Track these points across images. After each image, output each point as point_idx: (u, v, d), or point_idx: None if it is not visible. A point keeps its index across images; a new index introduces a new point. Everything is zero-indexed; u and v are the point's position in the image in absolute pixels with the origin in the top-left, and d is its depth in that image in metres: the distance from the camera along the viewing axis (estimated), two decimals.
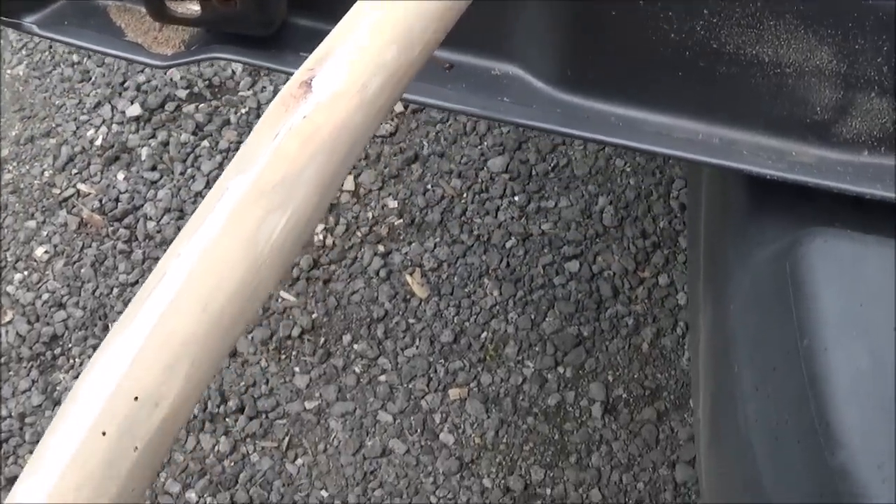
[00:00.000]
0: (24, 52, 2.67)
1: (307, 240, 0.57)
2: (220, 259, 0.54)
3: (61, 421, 0.52)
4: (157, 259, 2.13)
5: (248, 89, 2.49)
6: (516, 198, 2.28)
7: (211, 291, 0.53)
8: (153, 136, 2.44)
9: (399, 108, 2.40)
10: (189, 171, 2.38)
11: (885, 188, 0.90)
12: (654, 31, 0.89)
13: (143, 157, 2.41)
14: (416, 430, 2.02)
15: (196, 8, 0.96)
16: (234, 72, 2.52)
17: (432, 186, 2.31)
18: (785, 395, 0.88)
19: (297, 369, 2.10)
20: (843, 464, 0.80)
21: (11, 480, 2.02)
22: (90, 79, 2.57)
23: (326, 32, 0.92)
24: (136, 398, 0.51)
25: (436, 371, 2.07)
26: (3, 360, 2.16)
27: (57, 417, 0.53)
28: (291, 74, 0.89)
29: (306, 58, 0.92)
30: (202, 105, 2.48)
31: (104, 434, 0.51)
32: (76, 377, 2.04)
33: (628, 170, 2.27)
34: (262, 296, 0.56)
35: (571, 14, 0.92)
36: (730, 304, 1.01)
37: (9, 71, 2.65)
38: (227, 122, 2.45)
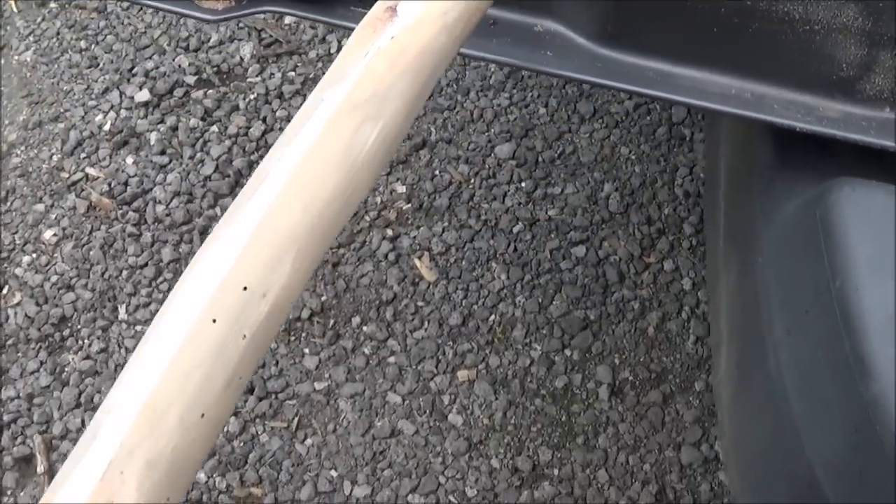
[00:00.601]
0: (31, 38, 2.70)
1: (395, 150, 0.61)
2: (319, 163, 0.58)
3: (170, 308, 0.55)
4: (166, 242, 2.19)
5: (257, 76, 2.52)
6: (523, 184, 2.32)
7: (311, 193, 0.57)
8: (162, 121, 2.47)
9: None
10: (198, 155, 2.41)
11: None
12: None
13: (152, 142, 2.44)
14: (425, 411, 2.05)
15: None
16: (242, 59, 2.56)
17: (440, 172, 2.35)
18: (818, 335, 0.92)
19: (306, 351, 2.13)
20: (877, 395, 0.85)
21: (19, 461, 2.04)
22: (98, 65, 2.60)
23: None
24: (245, 288, 0.55)
25: (444, 353, 2.11)
26: (11, 341, 2.18)
27: (165, 305, 0.56)
28: (343, 27, 0.94)
29: (358, 12, 0.96)
30: (210, 91, 2.51)
31: (214, 321, 0.54)
32: (85, 358, 2.10)
33: (633, 157, 2.32)
34: (356, 201, 0.60)
35: None
36: (758, 256, 1.05)
37: (16, 57, 2.68)
38: (236, 108, 2.49)
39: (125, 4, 2.68)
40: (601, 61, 1.01)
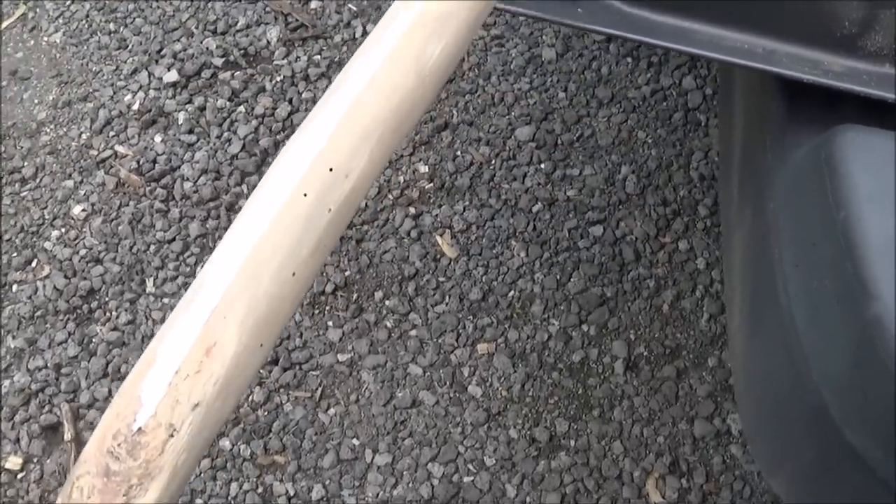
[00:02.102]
0: (60, 20, 2.82)
1: (453, 68, 0.71)
2: (396, 67, 0.70)
3: (267, 182, 0.67)
4: (193, 217, 2.31)
5: (283, 58, 2.64)
6: (542, 165, 2.43)
7: (391, 89, 0.69)
8: (190, 102, 2.59)
9: None
10: (226, 134, 2.53)
11: None
12: None
13: (180, 121, 2.56)
14: (445, 383, 2.16)
15: None
16: (268, 42, 2.68)
17: (461, 153, 2.46)
18: (824, 263, 1.04)
19: (330, 323, 2.24)
20: (878, 314, 0.96)
21: (46, 429, 2.15)
22: (127, 46, 2.72)
23: None
24: (331, 169, 0.67)
25: (464, 327, 2.22)
26: (39, 313, 2.29)
27: (263, 180, 0.68)
28: None
29: None
30: (238, 73, 2.63)
31: (305, 195, 0.66)
32: (113, 329, 2.21)
33: (650, 141, 2.43)
34: (425, 105, 0.72)
35: None
36: (769, 201, 1.17)
37: (46, 38, 2.80)
38: (263, 90, 2.60)
39: None
40: (628, 18, 1.12)
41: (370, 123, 0.68)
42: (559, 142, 2.44)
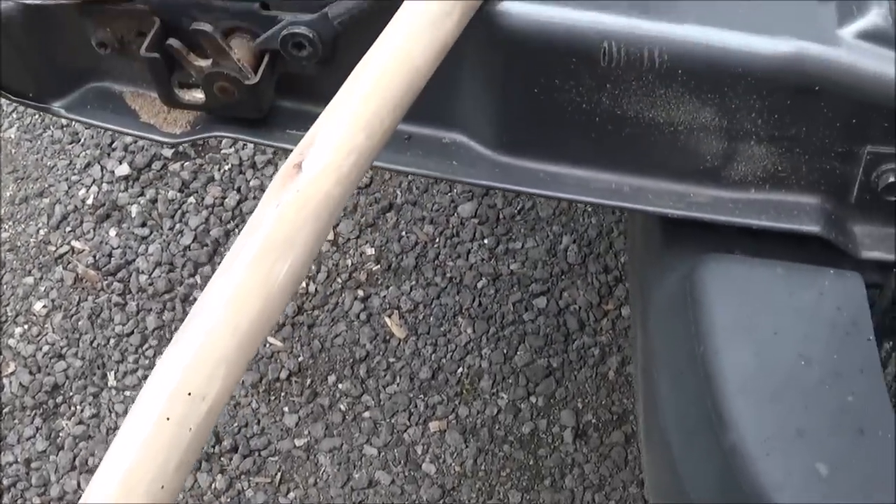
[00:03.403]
0: (14, 115, 2.93)
1: (303, 280, 0.82)
2: (245, 293, 0.80)
3: (137, 410, 0.78)
4: (150, 310, 2.41)
5: (230, 147, 2.75)
6: (486, 240, 2.54)
7: (239, 319, 0.79)
8: (142, 194, 2.70)
9: None
10: (177, 226, 2.64)
11: (769, 219, 1.19)
12: (569, 104, 1.16)
13: (133, 215, 2.67)
14: (400, 462, 2.27)
15: (200, 96, 1.23)
16: None
17: (406, 233, 2.58)
18: (689, 393, 1.14)
19: (286, 409, 2.35)
20: (733, 444, 1.07)
21: None
22: (79, 140, 2.83)
23: (306, 113, 1.22)
24: (190, 394, 0.77)
25: (416, 406, 2.33)
26: (7, 409, 2.40)
27: (133, 408, 0.78)
28: (281, 148, 1.18)
29: (292, 133, 1.20)
30: (187, 163, 2.74)
31: (168, 420, 0.77)
32: (78, 423, 2.31)
33: (589, 210, 2.55)
34: (273, 321, 0.82)
35: (501, 92, 1.20)
36: (650, 324, 1.28)
37: (1, 134, 2.92)
38: (212, 179, 2.72)
39: None
40: (500, 167, 1.23)
41: (222, 352, 0.78)
42: (501, 216, 2.56)
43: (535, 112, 1.20)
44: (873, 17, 1.13)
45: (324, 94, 1.18)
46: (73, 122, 2.85)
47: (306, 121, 1.21)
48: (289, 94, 1.28)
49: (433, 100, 1.12)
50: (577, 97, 1.17)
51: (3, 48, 1.31)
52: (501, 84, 1.19)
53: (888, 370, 1.15)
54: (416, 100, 1.02)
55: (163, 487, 0.77)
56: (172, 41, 1.19)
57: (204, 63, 1.19)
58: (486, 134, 1.25)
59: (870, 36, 1.13)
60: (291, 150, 1.13)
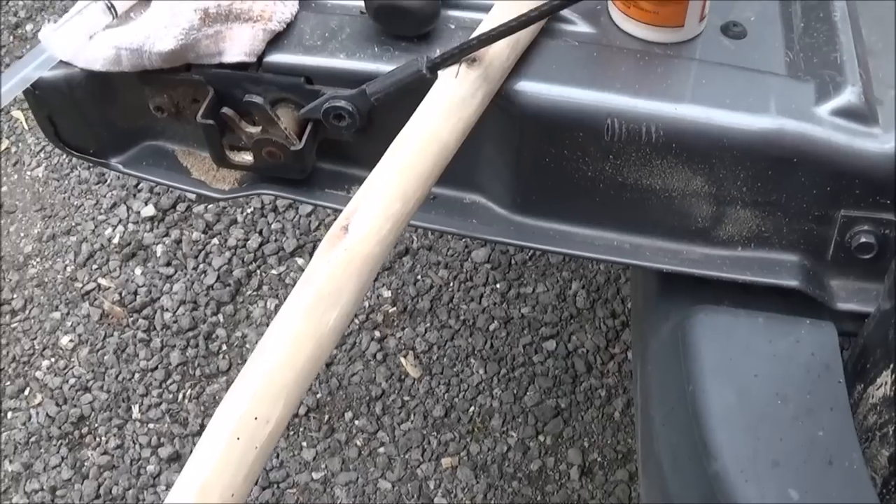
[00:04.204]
0: (42, 154, 3.15)
1: (348, 325, 1.02)
2: (301, 336, 1.01)
3: (211, 432, 0.98)
4: (174, 347, 2.62)
5: None
6: (498, 285, 2.74)
7: (297, 357, 1.00)
8: (167, 235, 2.91)
9: None
10: (201, 266, 2.84)
11: (753, 274, 1.38)
12: (576, 171, 1.35)
13: (158, 254, 2.87)
14: (413, 496, 2.44)
15: (249, 158, 1.44)
16: None
17: (422, 277, 2.78)
18: (679, 426, 1.34)
19: (304, 444, 2.53)
20: (716, 471, 1.26)
21: None
22: (106, 181, 3.04)
23: (343, 174, 1.44)
24: (256, 418, 0.98)
25: (429, 442, 2.50)
26: (34, 438, 2.56)
27: (207, 430, 0.98)
28: (321, 206, 1.39)
29: (330, 193, 1.42)
30: (211, 206, 2.94)
31: (238, 439, 0.97)
32: (103, 453, 2.49)
33: None
34: (324, 359, 1.02)
35: (516, 160, 1.40)
36: (647, 365, 1.48)
37: (29, 173, 3.12)
38: (235, 222, 2.92)
39: None
40: (514, 225, 1.43)
41: (283, 385, 0.98)
42: (513, 262, 2.76)
43: (546, 178, 1.39)
44: (848, 95, 1.32)
45: (360, 159, 1.41)
46: None
47: (344, 181, 1.44)
48: (328, 157, 1.48)
49: (457, 165, 1.29)
50: (583, 166, 1.36)
51: (68, 109, 1.49)
52: (517, 153, 1.39)
53: (860, 409, 1.33)
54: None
55: (233, 495, 0.97)
56: (226, 110, 1.39)
57: (254, 130, 1.40)
58: (503, 196, 1.44)
59: (844, 112, 1.31)
60: (330, 207, 1.35)
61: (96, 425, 2.59)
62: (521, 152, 1.39)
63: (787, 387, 1.31)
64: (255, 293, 2.79)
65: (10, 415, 2.62)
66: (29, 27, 3.61)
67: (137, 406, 2.61)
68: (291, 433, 2.54)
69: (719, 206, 1.37)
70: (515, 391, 2.56)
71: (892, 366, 1.22)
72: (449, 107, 1.20)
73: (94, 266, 2.88)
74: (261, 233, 2.88)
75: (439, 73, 1.25)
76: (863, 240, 1.36)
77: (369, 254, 1.08)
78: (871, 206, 1.34)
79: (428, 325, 2.69)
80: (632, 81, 1.34)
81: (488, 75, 1.25)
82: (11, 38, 3.58)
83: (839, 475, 1.24)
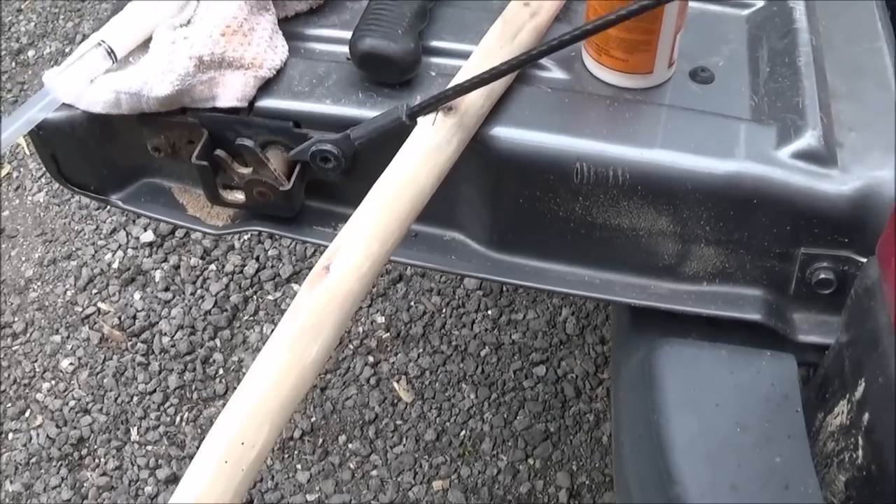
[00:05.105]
0: (43, 180, 3.26)
1: (329, 356, 1.14)
2: (286, 366, 1.12)
3: (202, 455, 1.09)
4: (172, 370, 2.73)
5: None
6: (489, 311, 2.85)
7: (281, 386, 1.11)
8: (165, 260, 3.02)
9: None
10: (199, 291, 2.95)
11: (717, 308, 1.47)
12: (548, 211, 1.46)
13: (156, 279, 2.99)
14: None
15: (241, 197, 1.56)
16: None
17: (415, 303, 2.88)
18: (645, 453, 1.44)
19: (298, 466, 2.62)
20: (678, 495, 1.36)
21: None
22: (106, 207, 3.16)
23: (330, 212, 1.55)
24: (243, 443, 1.09)
25: (421, 465, 2.60)
26: (34, 459, 2.65)
27: (198, 454, 1.10)
28: (308, 242, 1.50)
29: (318, 230, 1.53)
30: None
31: (226, 462, 1.08)
32: (102, 475, 2.59)
33: None
34: (307, 388, 1.14)
35: (493, 200, 1.51)
36: (619, 393, 1.59)
37: (30, 198, 3.24)
38: (232, 248, 3.03)
39: None
40: (491, 261, 1.54)
41: (268, 412, 1.10)
42: (504, 289, 2.87)
43: (520, 217, 1.49)
44: (808, 139, 1.41)
45: (345, 198, 1.52)
46: None
47: (330, 219, 1.56)
48: (316, 196, 1.59)
49: (437, 205, 1.41)
50: (555, 206, 1.46)
51: (71, 148, 1.61)
52: (493, 194, 1.49)
53: (820, 437, 1.43)
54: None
55: None
56: (219, 152, 1.50)
57: (245, 171, 1.51)
58: (481, 234, 1.56)
59: (803, 155, 1.40)
60: (317, 243, 1.47)
61: (95, 447, 2.69)
62: (497, 193, 1.50)
63: (747, 416, 1.40)
64: (251, 318, 2.90)
65: (11, 436, 2.72)
66: (31, 53, 3.74)
67: (136, 428, 2.72)
68: (286, 456, 2.64)
69: (684, 244, 1.47)
70: (506, 415, 2.66)
71: (847, 396, 1.30)
72: (425, 153, 1.32)
73: (94, 290, 2.99)
74: (258, 259, 3.00)
75: (418, 120, 1.37)
76: (822, 276, 1.44)
77: (349, 291, 1.19)
78: (829, 244, 1.42)
79: (421, 350, 2.80)
80: (600, 127, 1.44)
81: (463, 122, 1.36)
82: (13, 63, 3.71)
83: (795, 499, 1.33)
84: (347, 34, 1.52)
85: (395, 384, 2.75)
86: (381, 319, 2.86)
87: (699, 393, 1.44)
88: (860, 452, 1.26)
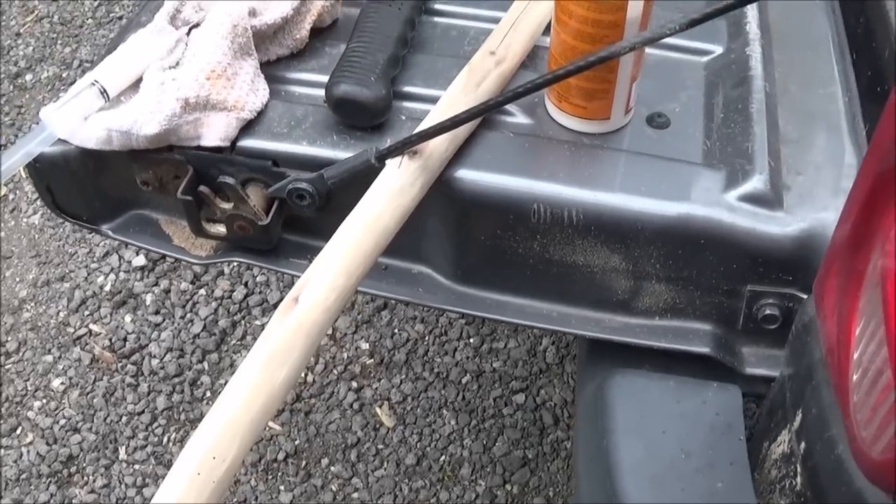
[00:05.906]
0: (39, 202, 3.39)
1: (297, 380, 1.26)
2: (256, 387, 1.26)
3: (177, 466, 1.23)
4: (160, 392, 2.87)
5: None
6: (471, 340, 2.97)
7: (251, 405, 1.25)
8: (156, 284, 3.15)
9: None
10: (188, 315, 3.08)
11: (668, 341, 1.59)
12: (509, 248, 1.59)
13: (147, 303, 3.12)
14: None
15: (223, 230, 1.69)
16: None
17: (399, 330, 3.00)
18: (596, 476, 1.57)
19: (282, 488, 2.73)
20: None
21: None
22: None
23: (305, 245, 1.69)
24: (214, 457, 1.23)
25: (401, 489, 2.70)
26: (24, 475, 2.76)
27: (174, 466, 1.24)
28: (285, 273, 1.64)
29: (293, 262, 1.67)
30: None
31: (199, 474, 1.22)
32: (90, 492, 2.71)
33: None
34: (275, 408, 1.28)
35: (456, 237, 1.64)
36: (578, 420, 1.73)
37: (25, 220, 3.38)
38: (221, 273, 3.16)
39: None
40: (455, 294, 1.66)
41: (238, 430, 1.23)
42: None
43: (482, 253, 1.62)
44: (754, 183, 1.52)
45: (319, 232, 1.67)
46: None
47: (306, 251, 1.70)
48: (293, 230, 1.73)
49: (405, 241, 1.54)
50: (514, 244, 1.58)
51: (65, 180, 1.74)
52: (457, 231, 1.62)
53: (766, 464, 1.55)
54: (392, 240, 1.47)
55: None
56: (203, 188, 1.64)
57: (227, 206, 1.65)
58: (446, 268, 1.68)
59: (750, 198, 1.51)
60: (293, 274, 1.61)
61: (84, 465, 2.80)
62: (461, 230, 1.63)
63: (691, 443, 1.52)
64: (239, 343, 3.03)
65: (2, 452, 2.83)
66: (28, 77, 3.89)
67: (124, 448, 2.83)
68: (270, 477, 2.77)
69: (637, 280, 1.59)
70: (485, 442, 2.78)
71: (788, 426, 1.40)
72: (390, 194, 1.46)
73: (86, 312, 3.12)
74: (246, 285, 3.13)
75: (386, 162, 1.51)
76: (768, 312, 1.55)
77: (316, 321, 1.34)
78: (775, 282, 1.54)
79: (403, 376, 2.91)
80: (557, 170, 1.56)
81: (427, 165, 1.50)
82: (11, 87, 3.86)
83: None
84: (325, 78, 1.65)
85: (378, 409, 2.87)
86: (365, 346, 2.99)
87: (647, 420, 1.56)
88: (798, 479, 1.35)
